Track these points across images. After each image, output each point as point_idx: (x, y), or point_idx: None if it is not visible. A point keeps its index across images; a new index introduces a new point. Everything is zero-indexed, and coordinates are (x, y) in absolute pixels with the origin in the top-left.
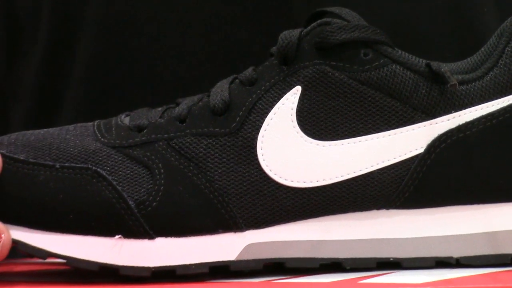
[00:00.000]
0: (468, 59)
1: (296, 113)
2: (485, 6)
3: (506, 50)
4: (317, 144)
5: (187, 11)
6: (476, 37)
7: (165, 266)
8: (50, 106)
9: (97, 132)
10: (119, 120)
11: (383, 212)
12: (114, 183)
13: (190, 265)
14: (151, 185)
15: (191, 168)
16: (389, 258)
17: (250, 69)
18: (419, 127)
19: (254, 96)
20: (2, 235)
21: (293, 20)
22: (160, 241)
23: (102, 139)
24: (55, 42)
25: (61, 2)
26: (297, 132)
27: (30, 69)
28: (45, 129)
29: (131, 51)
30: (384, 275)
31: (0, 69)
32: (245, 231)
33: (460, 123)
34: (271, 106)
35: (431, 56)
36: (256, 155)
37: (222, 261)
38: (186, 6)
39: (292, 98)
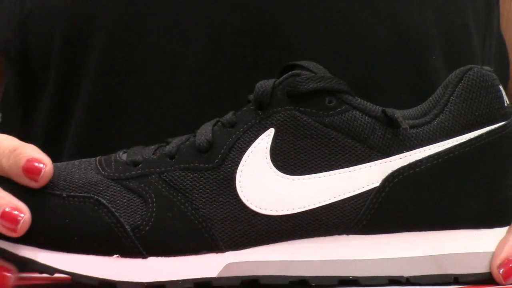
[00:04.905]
0: (418, 106)
1: (270, 151)
2: (433, 55)
3: (451, 99)
4: (288, 178)
5: (181, 52)
6: (426, 80)
7: (156, 282)
8: (56, 145)
9: (98, 166)
10: (117, 156)
11: (343, 237)
12: (113, 210)
13: (178, 281)
14: (145, 212)
15: (179, 197)
16: (349, 277)
17: (230, 113)
18: (375, 165)
19: (233, 136)
20: (23, 215)
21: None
22: (152, 260)
23: (103, 172)
24: (61, 87)
25: (67, 49)
26: (271, 168)
27: (41, 112)
28: (54, 163)
29: (127, 94)
30: None
31: (17, 113)
32: (225, 252)
33: (411, 161)
34: (248, 145)
35: (388, 97)
36: (235, 187)
37: (205, 278)
38: (180, 47)
39: (266, 138)
